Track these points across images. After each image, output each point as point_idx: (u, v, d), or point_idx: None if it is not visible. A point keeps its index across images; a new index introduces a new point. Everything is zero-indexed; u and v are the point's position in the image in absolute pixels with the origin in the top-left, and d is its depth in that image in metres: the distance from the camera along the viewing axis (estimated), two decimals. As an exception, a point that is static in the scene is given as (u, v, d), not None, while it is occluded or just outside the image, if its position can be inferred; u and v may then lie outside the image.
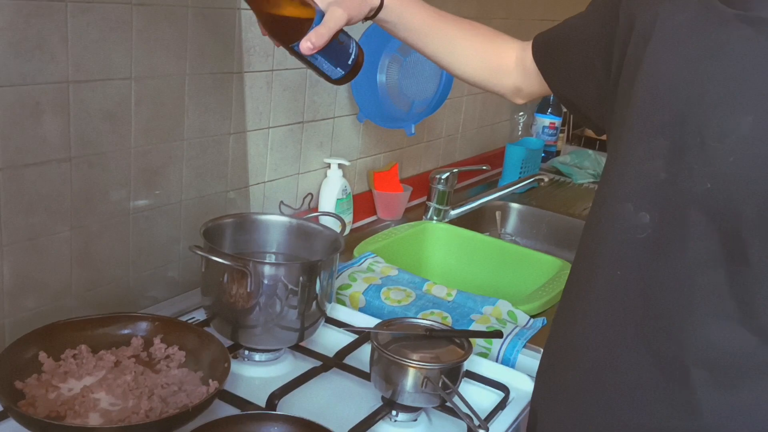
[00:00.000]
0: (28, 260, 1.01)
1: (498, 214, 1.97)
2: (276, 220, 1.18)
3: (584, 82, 0.91)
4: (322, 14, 0.84)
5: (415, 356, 0.96)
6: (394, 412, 0.99)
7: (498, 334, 1.05)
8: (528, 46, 1.00)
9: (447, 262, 1.69)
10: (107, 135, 1.07)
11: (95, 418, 0.84)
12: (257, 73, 1.31)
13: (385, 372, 0.97)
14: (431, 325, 1.03)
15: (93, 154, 1.05)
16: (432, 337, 1.01)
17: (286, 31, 0.84)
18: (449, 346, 1.00)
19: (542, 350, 0.95)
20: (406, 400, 0.96)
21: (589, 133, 2.79)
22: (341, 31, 0.86)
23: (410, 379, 0.95)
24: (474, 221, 1.87)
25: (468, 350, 0.98)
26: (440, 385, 0.94)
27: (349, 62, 0.88)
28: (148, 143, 1.13)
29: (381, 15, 0.93)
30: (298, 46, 0.83)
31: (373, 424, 0.94)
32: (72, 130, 1.01)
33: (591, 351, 0.82)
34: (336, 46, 0.86)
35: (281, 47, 0.86)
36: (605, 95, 0.86)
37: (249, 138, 1.33)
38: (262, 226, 1.17)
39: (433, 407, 0.99)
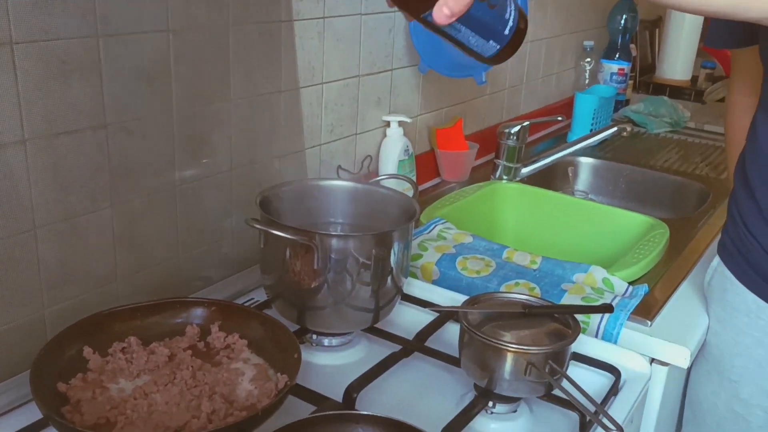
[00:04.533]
0: (66, 243, 0.89)
1: (570, 169, 1.80)
2: (340, 186, 1.04)
3: None
4: None
5: (513, 338, 0.82)
6: (490, 404, 0.85)
7: (608, 309, 0.90)
8: None
9: (522, 226, 1.54)
10: (145, 98, 0.93)
11: (151, 425, 0.72)
12: (307, 21, 1.15)
13: (480, 357, 0.83)
14: (528, 300, 0.89)
15: (131, 120, 0.92)
16: (530, 314, 0.86)
17: None
18: (550, 325, 0.86)
19: None
20: (505, 389, 0.82)
21: (658, 79, 2.57)
22: None
23: (511, 365, 0.80)
24: (544, 179, 1.70)
25: (575, 329, 0.83)
26: (547, 370, 0.80)
27: (506, 32, 0.65)
28: (191, 106, 1.00)
29: None
30: (431, 15, 0.61)
31: (470, 420, 0.81)
32: (105, 93, 0.88)
33: None
34: (484, 12, 0.63)
35: (413, 21, 0.65)
36: None
37: (302, 96, 1.19)
38: (324, 194, 1.03)
39: (537, 397, 0.85)
